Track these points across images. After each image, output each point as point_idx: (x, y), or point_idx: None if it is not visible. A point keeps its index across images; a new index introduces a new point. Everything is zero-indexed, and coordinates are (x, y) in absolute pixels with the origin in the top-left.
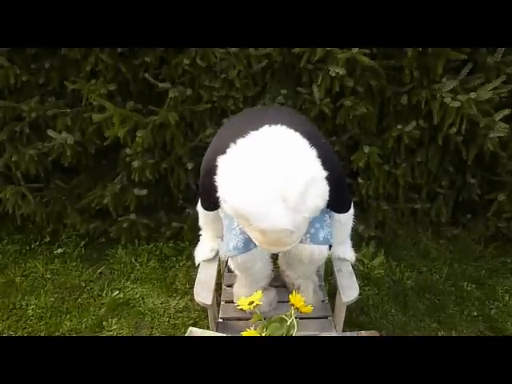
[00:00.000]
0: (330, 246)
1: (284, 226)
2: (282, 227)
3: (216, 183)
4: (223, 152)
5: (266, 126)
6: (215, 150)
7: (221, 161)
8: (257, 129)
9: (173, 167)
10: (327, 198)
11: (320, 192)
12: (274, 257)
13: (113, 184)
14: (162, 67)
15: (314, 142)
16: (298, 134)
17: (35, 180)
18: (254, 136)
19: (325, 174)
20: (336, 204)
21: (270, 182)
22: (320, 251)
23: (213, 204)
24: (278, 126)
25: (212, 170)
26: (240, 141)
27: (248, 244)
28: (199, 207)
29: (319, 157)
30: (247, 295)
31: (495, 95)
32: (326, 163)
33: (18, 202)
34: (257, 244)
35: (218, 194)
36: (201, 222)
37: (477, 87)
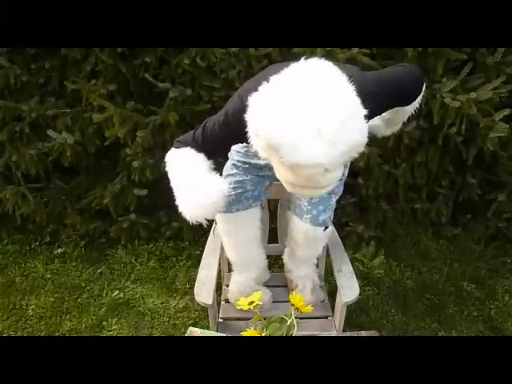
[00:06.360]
0: (326, 228)
1: (318, 159)
2: (315, 161)
3: (247, 120)
4: (254, 91)
5: (302, 59)
6: (245, 93)
7: (252, 98)
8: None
9: None
10: (367, 135)
11: (359, 127)
12: (273, 257)
13: (113, 184)
14: (162, 67)
15: (353, 77)
16: (336, 68)
17: (35, 180)
18: (288, 70)
19: (364, 111)
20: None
21: (304, 114)
22: (314, 231)
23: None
24: (315, 58)
25: (241, 109)
26: (273, 77)
27: (229, 207)
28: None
29: (359, 93)
30: (241, 289)
31: (495, 95)
32: (369, 97)
33: (18, 202)
34: (288, 189)
35: (248, 130)
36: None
37: (477, 87)
